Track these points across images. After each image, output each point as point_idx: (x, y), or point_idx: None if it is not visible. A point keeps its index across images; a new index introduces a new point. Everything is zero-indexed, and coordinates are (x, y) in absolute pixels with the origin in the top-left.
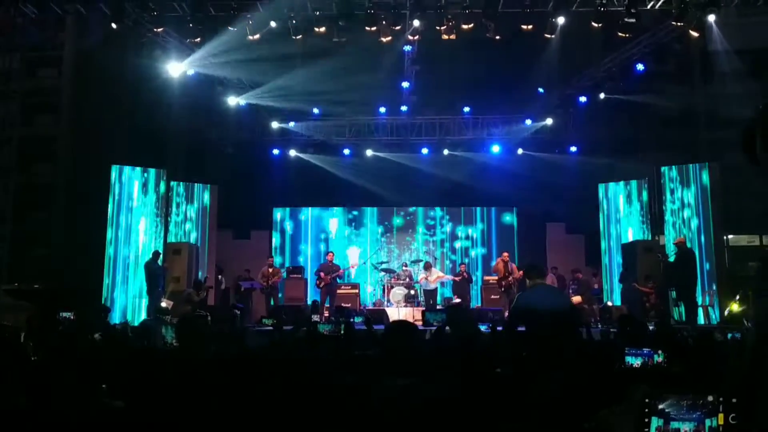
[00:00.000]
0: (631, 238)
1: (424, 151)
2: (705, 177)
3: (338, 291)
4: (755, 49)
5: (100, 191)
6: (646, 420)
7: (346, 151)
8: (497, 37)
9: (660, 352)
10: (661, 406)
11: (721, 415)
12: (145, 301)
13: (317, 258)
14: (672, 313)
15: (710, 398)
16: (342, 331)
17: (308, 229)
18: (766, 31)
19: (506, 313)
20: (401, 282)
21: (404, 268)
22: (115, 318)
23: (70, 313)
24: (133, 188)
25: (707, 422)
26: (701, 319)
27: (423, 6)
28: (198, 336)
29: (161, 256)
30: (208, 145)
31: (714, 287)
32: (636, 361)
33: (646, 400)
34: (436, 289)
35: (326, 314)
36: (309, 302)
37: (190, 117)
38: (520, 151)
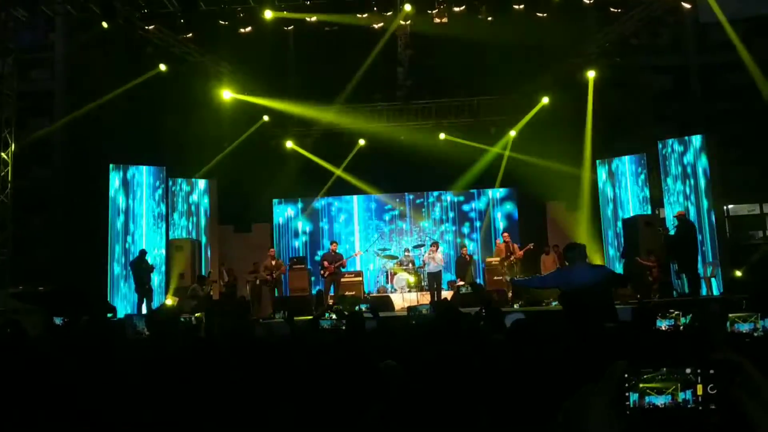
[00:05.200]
0: (631, 213)
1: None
2: (702, 148)
3: (342, 279)
4: (747, 18)
5: (99, 191)
6: (626, 395)
7: (343, 140)
8: (489, 19)
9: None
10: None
11: (699, 386)
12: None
13: (318, 248)
14: (675, 286)
15: (687, 371)
16: (344, 326)
17: (309, 219)
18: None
19: (510, 293)
20: (404, 267)
21: (406, 253)
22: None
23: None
24: (131, 187)
25: (681, 395)
26: (704, 290)
27: None
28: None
29: (148, 254)
30: (205, 140)
31: (715, 258)
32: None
33: (626, 376)
34: (440, 272)
35: (330, 302)
36: (314, 292)
37: (186, 112)
38: (513, 132)
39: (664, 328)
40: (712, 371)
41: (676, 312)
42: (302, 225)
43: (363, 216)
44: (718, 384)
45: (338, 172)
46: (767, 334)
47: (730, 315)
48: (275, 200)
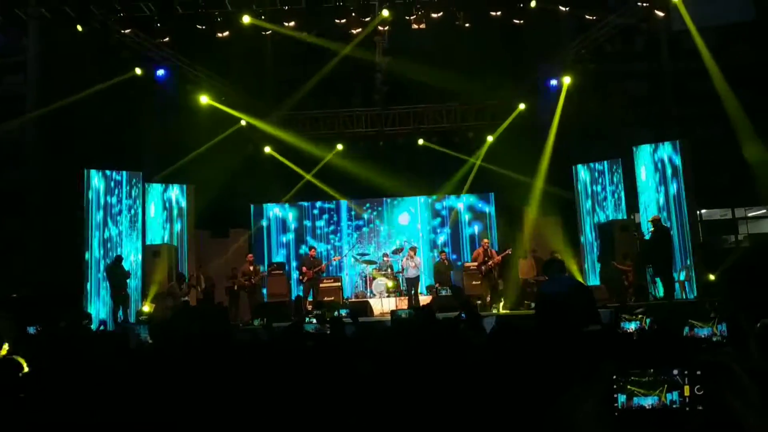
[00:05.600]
0: (607, 218)
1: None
2: (676, 153)
3: (321, 285)
4: (718, 26)
5: (75, 195)
6: (614, 396)
7: (320, 144)
8: (467, 25)
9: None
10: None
11: (686, 387)
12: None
13: (296, 253)
14: (650, 290)
15: (675, 372)
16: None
17: (287, 225)
18: (727, 8)
19: (488, 297)
20: (382, 272)
21: (384, 258)
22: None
23: (35, 327)
24: (108, 191)
25: (668, 396)
26: (678, 294)
27: None
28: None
29: (124, 260)
30: (182, 144)
31: (689, 262)
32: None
33: (614, 377)
34: (418, 277)
35: (309, 308)
36: (292, 297)
37: (163, 117)
38: (490, 138)
39: (630, 331)
40: (699, 372)
41: (641, 315)
42: (279, 230)
43: (340, 221)
44: (705, 385)
45: (308, 176)
46: (724, 339)
47: (690, 320)
48: (253, 205)
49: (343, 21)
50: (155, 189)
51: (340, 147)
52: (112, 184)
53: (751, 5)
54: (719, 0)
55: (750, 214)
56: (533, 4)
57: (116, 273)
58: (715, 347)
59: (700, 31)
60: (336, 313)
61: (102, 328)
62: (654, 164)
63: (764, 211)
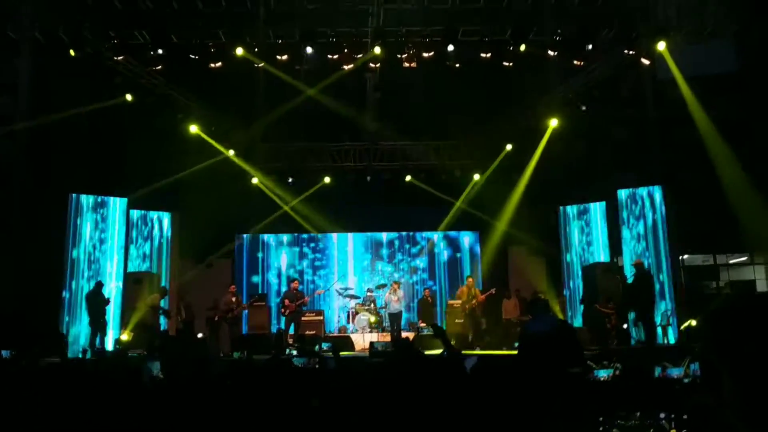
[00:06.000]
0: (591, 260)
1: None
2: (659, 198)
3: (303, 318)
4: (703, 76)
5: (58, 219)
6: None
7: (308, 178)
8: (457, 65)
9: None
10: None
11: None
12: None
13: (280, 285)
14: (631, 334)
15: (662, 416)
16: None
17: (271, 257)
18: (713, 59)
19: (471, 336)
20: (366, 308)
21: (368, 293)
22: (74, 349)
23: (9, 351)
24: (91, 216)
25: None
26: (660, 339)
27: (384, 34)
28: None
29: (104, 287)
30: (169, 172)
31: (671, 307)
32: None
33: (600, 419)
34: (400, 312)
35: (290, 341)
36: (273, 330)
37: (151, 144)
38: (476, 176)
39: (602, 379)
40: (685, 416)
41: (615, 364)
42: (263, 261)
43: (325, 254)
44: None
45: (286, 208)
46: (697, 379)
47: (664, 362)
48: (238, 235)
49: (336, 57)
50: (139, 215)
51: (327, 180)
52: (96, 208)
53: (734, 58)
54: (703, 51)
55: (732, 261)
56: (522, 48)
57: (96, 299)
58: (688, 388)
59: (687, 80)
60: (317, 347)
61: (80, 355)
62: (638, 208)
63: (746, 258)
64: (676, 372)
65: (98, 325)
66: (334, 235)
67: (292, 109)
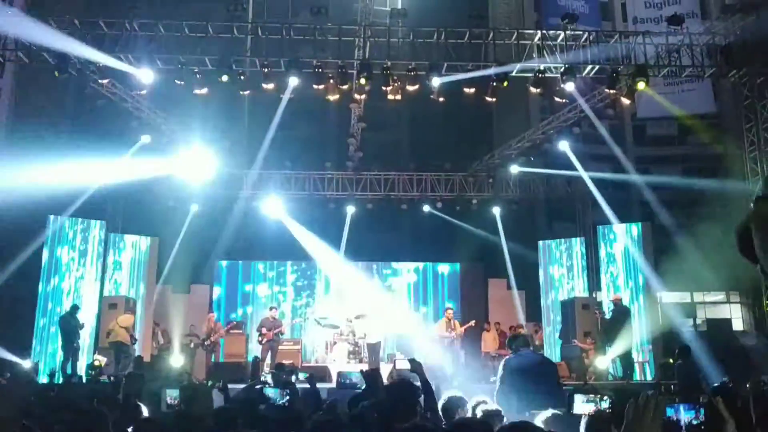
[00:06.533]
0: (570, 295)
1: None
2: (638, 236)
3: (280, 347)
4: (680, 116)
5: (34, 242)
6: None
7: (291, 205)
8: (441, 99)
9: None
10: None
11: None
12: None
13: (257, 313)
14: (609, 369)
15: None
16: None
17: (250, 283)
18: (690, 100)
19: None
20: (344, 338)
21: (347, 323)
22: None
23: None
24: (69, 239)
25: None
26: (636, 375)
27: (369, 66)
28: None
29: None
30: (149, 196)
31: (648, 343)
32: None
33: None
34: (379, 343)
35: (266, 370)
36: (250, 359)
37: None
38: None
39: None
40: None
41: (599, 396)
42: (241, 289)
43: (305, 282)
44: None
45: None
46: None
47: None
48: (217, 262)
49: (321, 87)
50: (118, 239)
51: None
52: (74, 231)
53: (712, 99)
54: (682, 92)
55: (708, 299)
56: (505, 84)
57: (70, 324)
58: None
59: (665, 119)
60: (294, 377)
61: (49, 379)
62: (616, 245)
63: (722, 296)
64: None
65: (70, 350)
66: (315, 263)
67: (277, 138)
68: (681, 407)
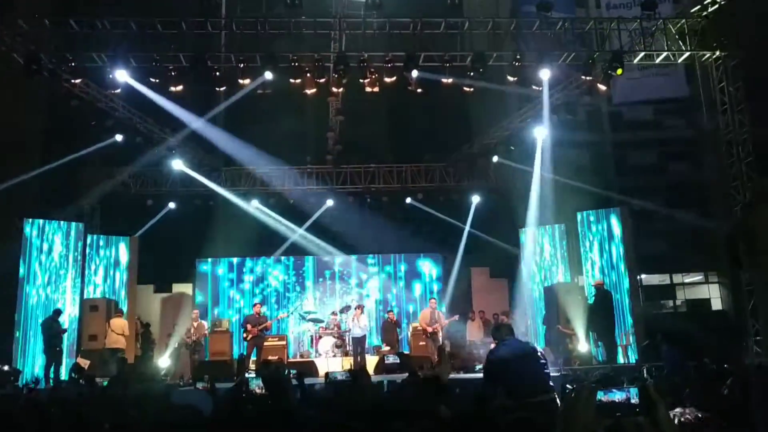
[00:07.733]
0: (552, 281)
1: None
2: (617, 221)
3: (265, 343)
4: (655, 100)
5: (12, 245)
6: None
7: (270, 201)
8: (419, 90)
9: None
10: None
11: None
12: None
13: (242, 310)
14: (592, 353)
15: None
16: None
17: (232, 280)
18: (664, 85)
19: (435, 358)
20: (330, 332)
21: (332, 316)
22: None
23: None
24: (47, 242)
25: None
26: (620, 359)
27: (346, 59)
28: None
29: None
30: (126, 196)
31: (630, 326)
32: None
33: None
34: (364, 336)
35: (252, 367)
36: (235, 356)
37: (108, 168)
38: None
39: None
40: None
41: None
42: (224, 286)
43: (288, 277)
44: None
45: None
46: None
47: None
48: (198, 260)
49: (298, 81)
50: (97, 240)
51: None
52: (52, 234)
53: (685, 84)
54: (656, 78)
55: (687, 280)
56: (482, 71)
57: (52, 328)
58: (631, 410)
59: (638, 105)
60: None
61: (33, 385)
62: (596, 230)
63: (701, 277)
64: (618, 395)
65: (53, 354)
66: (298, 258)
67: (255, 132)
68: (614, 390)
